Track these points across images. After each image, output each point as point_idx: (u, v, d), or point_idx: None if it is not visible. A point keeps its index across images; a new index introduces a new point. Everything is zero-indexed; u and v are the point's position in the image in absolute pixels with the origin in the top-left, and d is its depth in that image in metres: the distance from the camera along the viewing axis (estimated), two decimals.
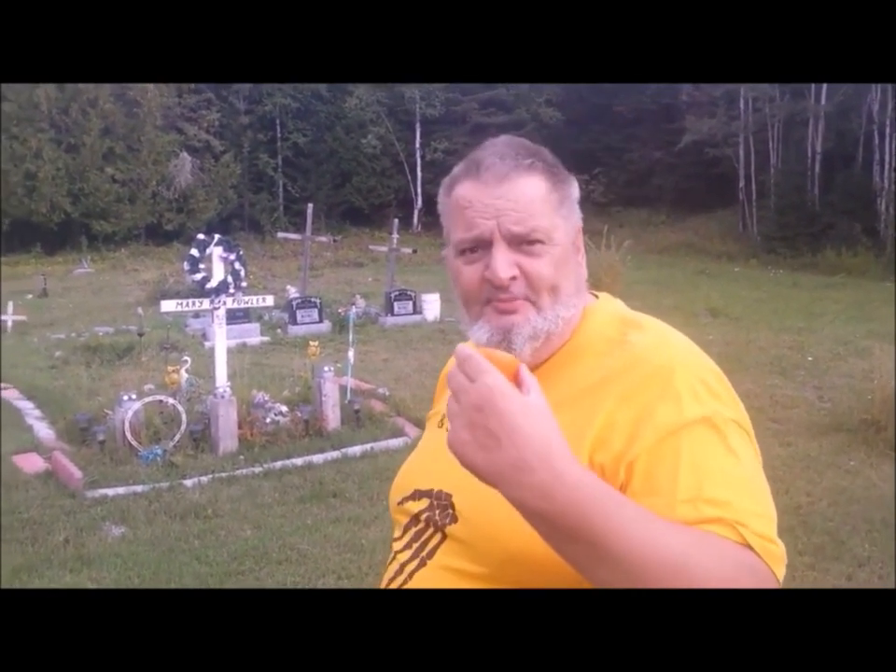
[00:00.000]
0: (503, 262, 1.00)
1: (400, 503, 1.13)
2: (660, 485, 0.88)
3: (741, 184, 23.90)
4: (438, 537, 1.05)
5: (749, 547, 0.84)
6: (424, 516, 1.08)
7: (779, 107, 22.29)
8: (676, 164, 25.57)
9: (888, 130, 20.27)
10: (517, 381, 0.82)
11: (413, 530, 1.09)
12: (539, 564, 0.93)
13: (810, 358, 9.04)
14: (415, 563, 1.06)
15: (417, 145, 28.49)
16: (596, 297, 1.14)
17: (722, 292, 14.52)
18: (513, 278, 1.01)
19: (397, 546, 1.12)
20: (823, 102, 21.20)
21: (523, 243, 1.01)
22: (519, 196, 1.01)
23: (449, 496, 1.04)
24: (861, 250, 18.82)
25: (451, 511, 1.03)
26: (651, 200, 26.50)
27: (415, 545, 1.08)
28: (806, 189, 21.71)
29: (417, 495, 1.10)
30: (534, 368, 1.04)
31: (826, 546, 4.24)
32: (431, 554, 1.05)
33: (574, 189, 1.08)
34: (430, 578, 1.03)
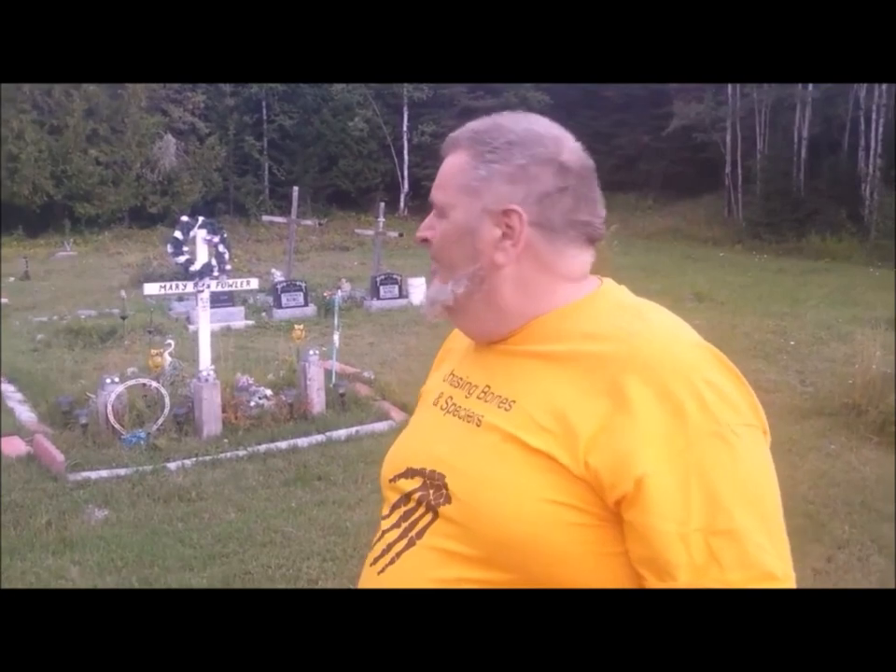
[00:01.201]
0: (423, 223, 1.10)
1: (392, 480, 1.12)
2: (672, 511, 0.88)
3: (727, 169, 23.93)
4: (429, 517, 1.03)
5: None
6: (417, 495, 1.06)
7: (766, 93, 22.28)
8: (663, 149, 25.55)
9: (873, 116, 20.32)
10: None
11: (403, 509, 1.08)
12: (533, 549, 0.94)
13: (793, 343, 9.10)
14: (404, 542, 1.05)
15: (404, 128, 28.31)
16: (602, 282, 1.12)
17: (708, 277, 14.57)
18: (424, 240, 1.10)
19: (385, 524, 1.11)
20: (810, 88, 21.22)
21: (439, 212, 1.08)
22: (443, 169, 1.08)
23: (442, 476, 1.03)
24: (846, 236, 18.91)
25: (445, 491, 1.02)
26: (639, 185, 26.47)
27: (404, 524, 1.06)
28: (792, 175, 21.76)
29: (410, 473, 1.08)
30: (500, 340, 1.08)
31: (807, 528, 4.29)
32: (420, 535, 1.03)
33: (518, 169, 1.02)
34: (418, 558, 1.02)
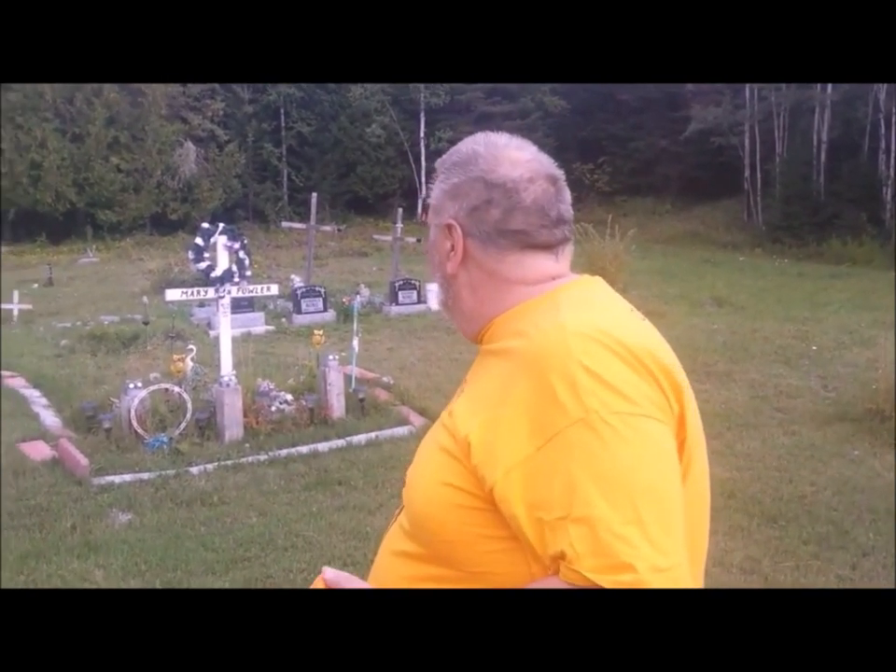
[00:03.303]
0: None
1: None
2: (535, 499, 0.90)
3: (746, 173, 23.79)
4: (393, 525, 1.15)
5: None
6: None
7: (785, 96, 22.15)
8: (681, 153, 25.45)
9: (893, 119, 20.13)
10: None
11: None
12: (432, 527, 1.02)
13: (815, 348, 9.03)
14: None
15: (422, 134, 28.39)
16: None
17: (727, 281, 14.49)
18: None
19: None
20: (829, 91, 21.06)
21: None
22: None
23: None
24: (867, 240, 18.75)
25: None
26: (657, 189, 26.39)
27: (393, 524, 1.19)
28: (812, 179, 21.60)
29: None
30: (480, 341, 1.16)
31: (830, 535, 4.25)
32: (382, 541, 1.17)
33: (453, 187, 1.13)
34: (379, 565, 1.14)
